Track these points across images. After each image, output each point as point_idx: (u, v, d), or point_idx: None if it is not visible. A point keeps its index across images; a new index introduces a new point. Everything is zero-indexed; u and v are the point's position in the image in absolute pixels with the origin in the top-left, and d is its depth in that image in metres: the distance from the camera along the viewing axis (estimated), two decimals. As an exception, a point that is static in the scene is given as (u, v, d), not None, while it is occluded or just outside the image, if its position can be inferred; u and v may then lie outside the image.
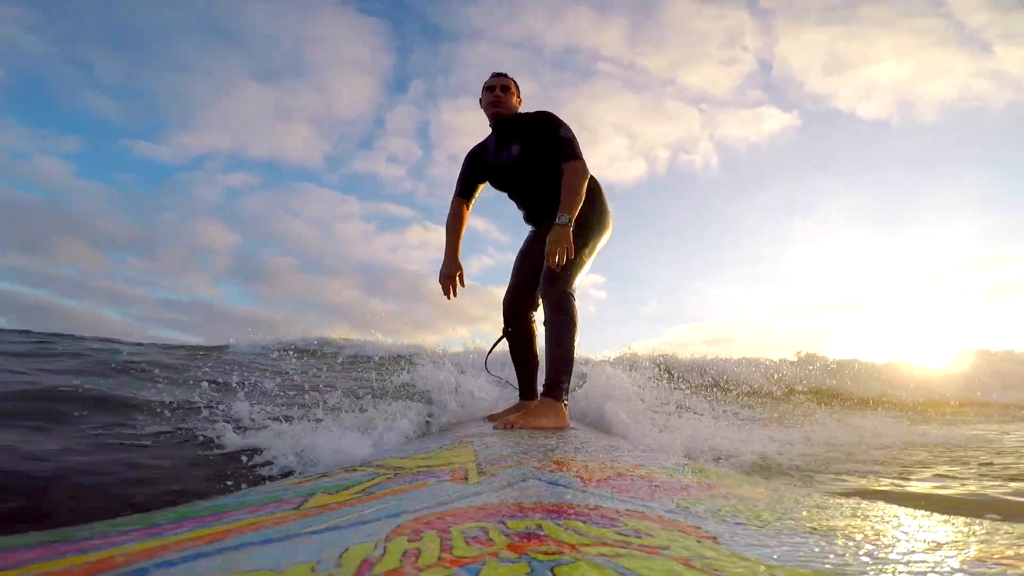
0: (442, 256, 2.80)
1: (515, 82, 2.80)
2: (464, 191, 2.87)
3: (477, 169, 2.86)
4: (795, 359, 9.66)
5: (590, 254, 2.60)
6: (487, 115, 2.75)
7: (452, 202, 2.87)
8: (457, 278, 2.70)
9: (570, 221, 2.34)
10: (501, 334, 2.86)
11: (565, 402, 2.35)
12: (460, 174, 2.90)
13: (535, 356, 2.86)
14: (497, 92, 2.69)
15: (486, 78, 2.77)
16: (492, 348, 3.02)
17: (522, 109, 2.80)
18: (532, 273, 2.70)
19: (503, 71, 2.79)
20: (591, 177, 2.62)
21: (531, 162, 2.65)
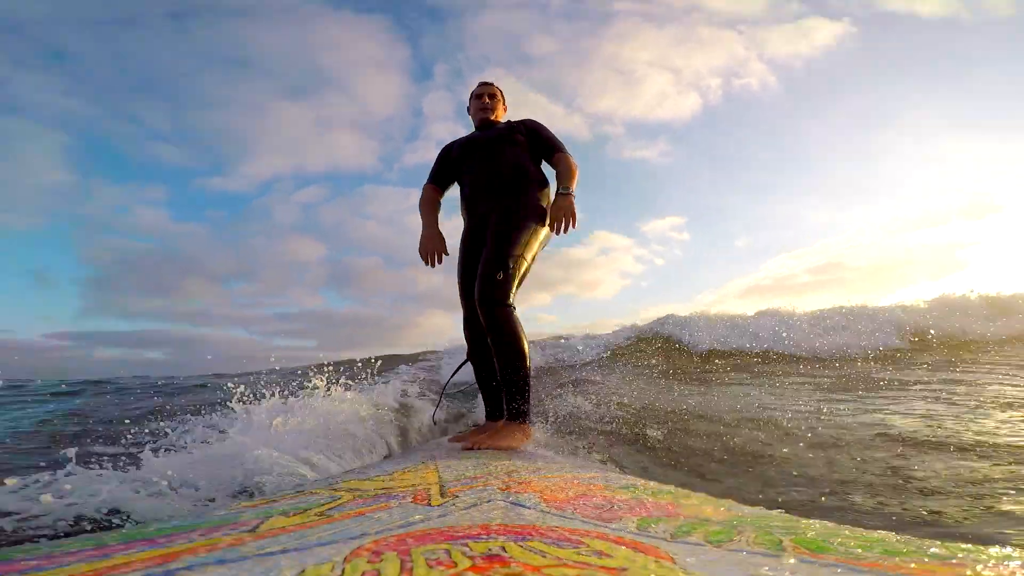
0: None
1: (501, 92, 2.97)
2: (436, 177, 2.91)
3: (446, 157, 2.90)
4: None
5: (531, 260, 2.57)
6: (474, 121, 2.91)
7: (424, 187, 2.90)
8: (438, 246, 2.70)
9: (572, 193, 2.47)
10: (464, 359, 2.81)
11: (530, 423, 2.38)
12: (436, 161, 2.95)
13: None
14: (485, 99, 2.86)
15: (475, 85, 2.96)
16: (453, 374, 3.02)
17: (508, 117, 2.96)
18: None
19: (489, 80, 2.99)
20: (544, 176, 2.71)
21: (506, 144, 2.70)
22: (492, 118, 2.87)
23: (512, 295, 2.42)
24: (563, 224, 2.42)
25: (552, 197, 2.61)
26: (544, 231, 2.59)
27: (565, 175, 2.55)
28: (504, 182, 2.62)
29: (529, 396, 2.37)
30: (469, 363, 2.79)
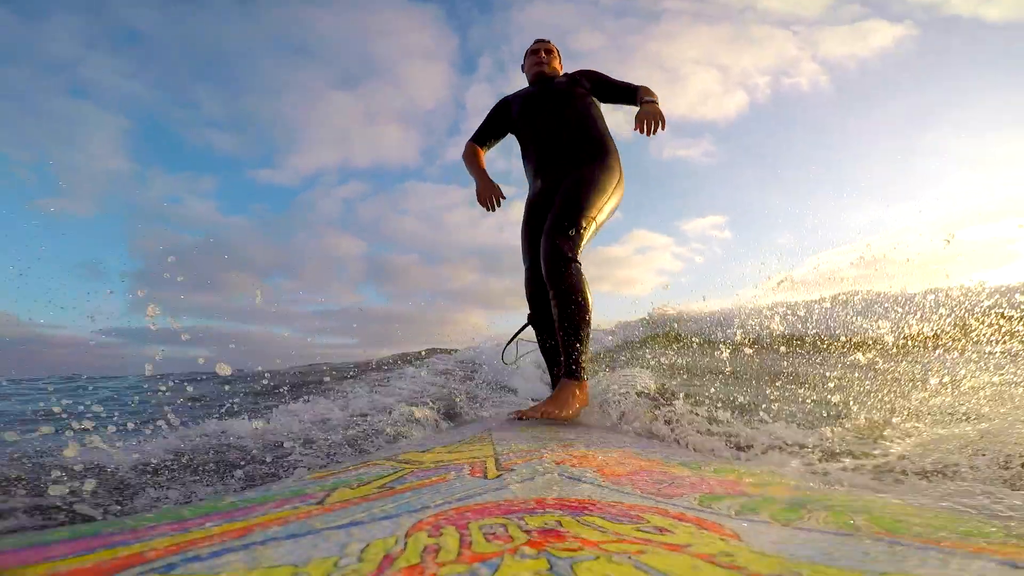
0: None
1: (558, 49, 2.88)
2: (481, 137, 2.88)
3: (502, 115, 2.86)
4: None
5: (604, 218, 2.50)
6: (528, 76, 2.84)
7: (466, 145, 2.87)
8: (495, 192, 2.68)
9: (657, 101, 2.45)
10: (525, 321, 2.73)
11: (585, 378, 2.28)
12: (486, 118, 2.91)
13: None
14: (541, 55, 2.79)
15: (533, 43, 2.89)
16: (514, 336, 2.91)
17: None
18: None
19: (546, 37, 2.90)
20: (612, 139, 2.65)
21: (569, 99, 2.64)
22: (548, 71, 2.79)
23: (579, 251, 2.35)
24: (652, 125, 2.39)
25: (619, 159, 2.60)
26: (615, 197, 2.53)
27: (651, 93, 2.52)
28: (573, 140, 2.56)
29: (587, 349, 2.29)
30: (531, 327, 2.75)
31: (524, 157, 2.78)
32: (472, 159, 2.84)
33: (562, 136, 2.58)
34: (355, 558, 0.47)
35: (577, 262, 2.32)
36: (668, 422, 2.10)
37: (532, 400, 3.51)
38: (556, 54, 2.87)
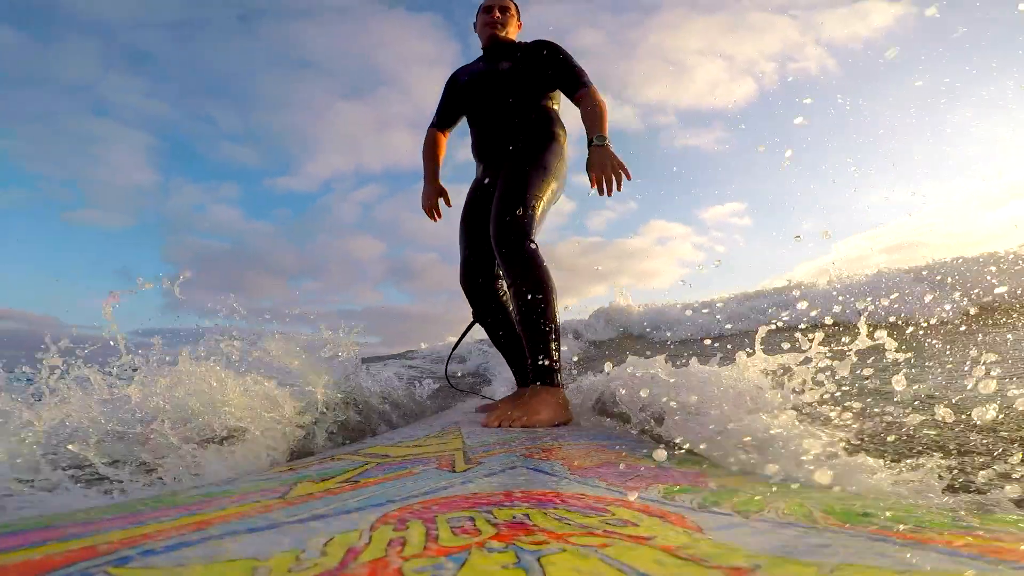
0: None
1: (516, 4, 2.54)
2: (441, 120, 2.67)
3: (452, 93, 2.62)
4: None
5: (553, 199, 2.30)
6: (481, 39, 2.52)
7: (427, 131, 2.68)
8: (441, 201, 2.54)
9: (608, 141, 2.06)
10: (470, 321, 2.51)
11: (561, 383, 2.00)
12: (441, 98, 2.67)
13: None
14: (495, 13, 2.45)
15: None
16: (458, 342, 2.64)
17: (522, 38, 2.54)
18: (484, 234, 2.27)
19: None
20: (560, 120, 2.42)
21: (516, 82, 2.35)
22: (503, 35, 2.45)
23: (533, 233, 2.12)
24: (611, 182, 1.99)
25: (564, 138, 2.37)
26: (557, 182, 2.30)
27: (594, 120, 2.13)
28: (517, 125, 2.34)
29: (558, 350, 2.01)
30: (478, 325, 2.51)
31: (471, 137, 2.55)
32: (429, 150, 2.64)
33: (506, 121, 2.36)
34: (317, 552, 0.47)
35: (532, 242, 2.10)
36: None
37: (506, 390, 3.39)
38: (514, 12, 2.51)
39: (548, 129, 2.36)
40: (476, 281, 2.41)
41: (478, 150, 2.50)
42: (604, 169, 1.99)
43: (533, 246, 2.09)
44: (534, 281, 2.02)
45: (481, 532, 0.53)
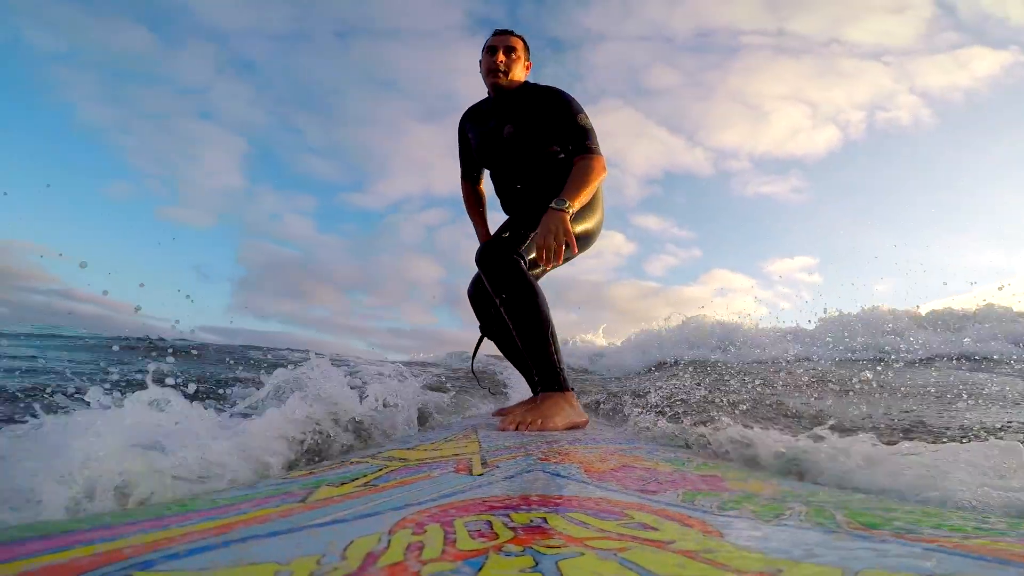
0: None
1: (524, 41, 2.30)
2: (465, 171, 2.59)
3: (466, 144, 2.51)
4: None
5: (580, 248, 2.16)
6: (486, 84, 2.30)
7: (461, 184, 2.62)
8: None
9: (569, 208, 1.93)
10: (479, 336, 2.52)
11: (571, 388, 2.02)
12: (459, 150, 2.58)
13: None
14: (500, 56, 2.21)
15: (492, 36, 2.29)
16: (475, 352, 2.63)
17: (531, 78, 2.33)
18: None
19: (509, 28, 2.30)
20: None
21: (524, 148, 2.23)
22: (506, 83, 2.24)
23: (519, 251, 2.03)
24: (551, 252, 1.88)
25: (598, 196, 2.28)
26: (591, 223, 2.25)
27: (573, 182, 2.01)
28: (534, 184, 2.26)
29: (559, 358, 2.00)
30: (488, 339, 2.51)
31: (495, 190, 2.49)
32: (469, 207, 2.59)
33: (523, 182, 2.29)
34: (338, 556, 0.47)
35: (516, 256, 2.01)
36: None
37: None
38: (521, 53, 2.26)
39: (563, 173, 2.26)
40: (481, 296, 2.37)
41: (501, 204, 2.47)
42: (548, 236, 1.89)
43: (516, 259, 2.00)
44: (520, 296, 1.97)
45: (499, 536, 0.53)
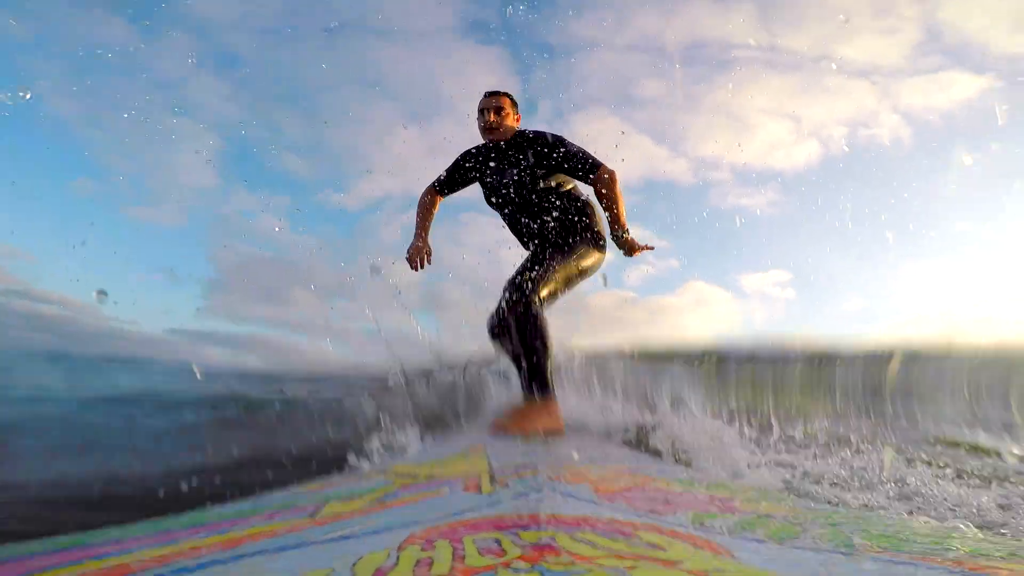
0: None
1: (511, 98, 2.62)
2: (443, 187, 2.75)
3: (468, 173, 2.72)
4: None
5: (578, 275, 2.48)
6: (483, 138, 2.62)
7: (426, 189, 2.75)
8: (425, 255, 2.56)
9: (626, 232, 2.43)
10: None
11: (552, 395, 2.25)
12: (449, 168, 2.74)
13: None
14: (491, 116, 2.52)
15: (482, 97, 2.61)
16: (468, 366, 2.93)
17: (523, 126, 2.62)
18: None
19: (496, 89, 2.61)
20: (582, 198, 2.58)
21: (528, 189, 2.52)
22: (500, 138, 2.55)
23: (541, 293, 2.32)
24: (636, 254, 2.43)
25: (600, 218, 2.55)
26: (595, 257, 2.53)
27: (614, 211, 2.42)
28: (545, 220, 2.51)
29: (551, 375, 2.26)
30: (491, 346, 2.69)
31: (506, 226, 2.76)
32: (423, 210, 2.74)
33: (530, 218, 2.56)
34: (347, 572, 0.47)
35: (536, 302, 2.29)
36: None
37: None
38: (509, 110, 2.57)
39: (575, 217, 2.56)
40: (502, 331, 2.51)
41: (519, 241, 2.70)
42: (633, 254, 2.49)
43: (536, 305, 2.28)
44: (537, 337, 2.26)
45: (507, 553, 0.52)
